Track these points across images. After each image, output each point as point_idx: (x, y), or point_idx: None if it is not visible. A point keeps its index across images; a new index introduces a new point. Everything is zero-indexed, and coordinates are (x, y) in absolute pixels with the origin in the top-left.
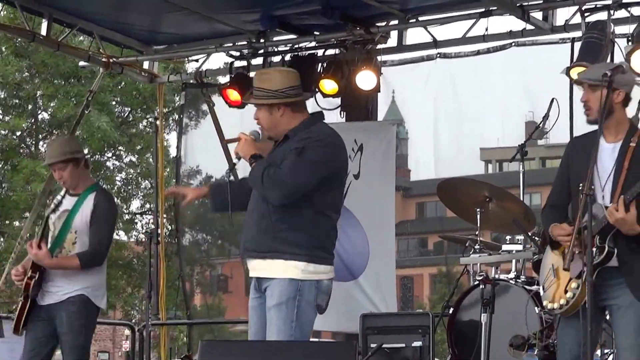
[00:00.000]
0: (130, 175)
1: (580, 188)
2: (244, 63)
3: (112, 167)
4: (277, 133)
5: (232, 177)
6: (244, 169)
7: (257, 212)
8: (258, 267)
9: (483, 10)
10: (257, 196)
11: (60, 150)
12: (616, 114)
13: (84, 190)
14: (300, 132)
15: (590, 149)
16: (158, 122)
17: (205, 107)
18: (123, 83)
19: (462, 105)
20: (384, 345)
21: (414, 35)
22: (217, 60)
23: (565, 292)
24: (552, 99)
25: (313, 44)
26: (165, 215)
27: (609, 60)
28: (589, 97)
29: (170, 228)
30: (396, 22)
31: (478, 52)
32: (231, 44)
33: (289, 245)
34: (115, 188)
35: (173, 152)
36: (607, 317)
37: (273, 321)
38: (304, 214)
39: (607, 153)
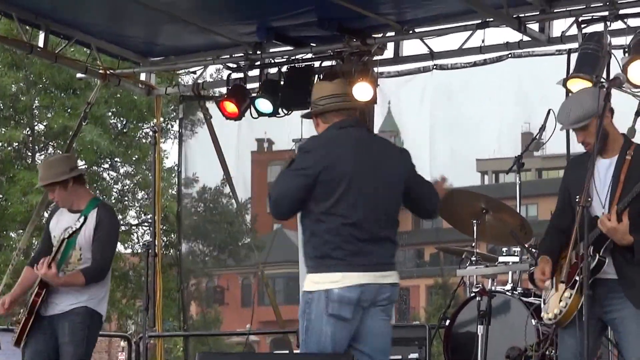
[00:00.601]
0: (127, 187)
1: (577, 200)
2: (240, 75)
3: (108, 179)
4: None
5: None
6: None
7: None
8: None
9: (480, 21)
10: None
11: (44, 174)
12: (610, 134)
13: (85, 207)
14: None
15: (585, 164)
16: (156, 135)
17: (200, 115)
18: (118, 94)
19: (458, 116)
20: None
21: (411, 46)
22: (213, 70)
23: (560, 301)
24: (549, 110)
25: (309, 55)
26: (161, 226)
27: (605, 71)
28: (584, 137)
29: (165, 240)
30: (393, 33)
31: (474, 64)
32: (228, 56)
33: (305, 258)
34: (112, 199)
35: (169, 163)
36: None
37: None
38: (307, 225)
39: (604, 169)
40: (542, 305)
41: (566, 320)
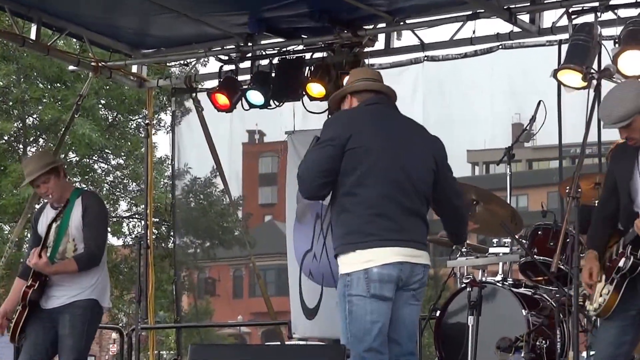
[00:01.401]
0: (118, 179)
1: (567, 191)
2: (232, 67)
3: (99, 171)
4: None
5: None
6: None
7: None
8: None
9: (470, 13)
10: None
11: (39, 164)
12: None
13: (69, 197)
14: None
15: (631, 156)
16: (148, 127)
17: (189, 104)
18: (108, 86)
19: (450, 108)
20: None
21: (402, 38)
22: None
23: (600, 295)
24: (539, 102)
25: (301, 47)
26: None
27: (595, 62)
28: (628, 133)
29: (156, 232)
30: (384, 25)
31: (465, 55)
32: (219, 48)
33: (335, 239)
34: (104, 191)
35: (159, 154)
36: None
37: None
38: (336, 202)
39: None
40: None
41: (606, 314)
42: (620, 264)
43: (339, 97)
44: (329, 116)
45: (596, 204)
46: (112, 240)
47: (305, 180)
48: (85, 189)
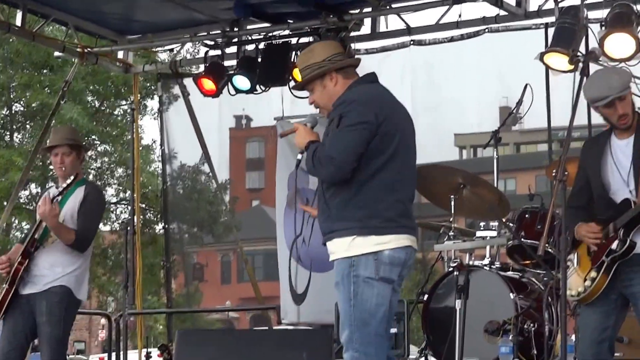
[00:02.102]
0: (105, 164)
1: (553, 174)
2: (218, 52)
3: (86, 157)
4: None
5: None
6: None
7: (317, 195)
8: (329, 251)
9: None
10: (318, 179)
11: (71, 135)
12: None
13: (74, 183)
14: (338, 99)
15: (602, 146)
16: (134, 112)
17: (177, 90)
18: (95, 73)
19: (437, 92)
20: None
21: (388, 22)
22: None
23: (585, 280)
24: (526, 85)
25: (287, 32)
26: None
27: (583, 45)
28: (624, 108)
29: (142, 218)
30: (369, 9)
31: (452, 39)
32: (205, 33)
33: (340, 221)
34: (91, 177)
35: (146, 139)
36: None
37: (338, 302)
38: (352, 184)
39: (621, 149)
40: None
41: (590, 299)
42: (613, 246)
43: (317, 75)
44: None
45: (569, 196)
46: (100, 226)
47: (342, 163)
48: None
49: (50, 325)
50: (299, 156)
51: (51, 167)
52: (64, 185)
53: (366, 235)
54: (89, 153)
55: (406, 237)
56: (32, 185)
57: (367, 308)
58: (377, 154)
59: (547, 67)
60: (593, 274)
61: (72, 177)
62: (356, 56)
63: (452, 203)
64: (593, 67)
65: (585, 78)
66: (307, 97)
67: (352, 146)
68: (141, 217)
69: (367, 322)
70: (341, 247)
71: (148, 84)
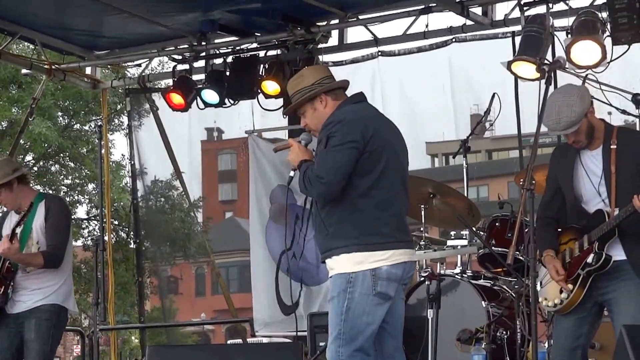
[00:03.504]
0: (76, 180)
1: (522, 183)
2: (186, 66)
3: (56, 174)
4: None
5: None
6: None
7: (312, 214)
8: (328, 268)
9: (423, 7)
10: (312, 199)
11: None
12: (595, 126)
13: (33, 202)
14: (327, 120)
15: (572, 157)
16: (102, 129)
17: (147, 106)
18: (63, 88)
19: (408, 101)
20: None
21: (355, 34)
22: (159, 62)
23: (561, 292)
24: (493, 94)
25: (254, 45)
26: (112, 221)
27: (549, 53)
28: (576, 136)
29: (115, 236)
30: (336, 21)
31: (420, 49)
32: (173, 48)
33: (337, 239)
34: (61, 194)
35: (116, 155)
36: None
37: (329, 317)
38: (347, 203)
39: (591, 159)
40: (539, 287)
41: (566, 310)
42: (589, 260)
43: (307, 98)
44: (285, 116)
45: (539, 206)
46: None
47: (331, 183)
48: (49, 192)
49: (38, 342)
50: (292, 173)
51: None
52: (21, 214)
53: (364, 252)
54: (59, 170)
55: (403, 252)
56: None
57: (357, 324)
58: (368, 171)
59: (515, 76)
60: (569, 286)
61: (27, 205)
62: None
63: (422, 213)
64: (562, 76)
65: (549, 87)
66: (276, 110)
67: (339, 166)
68: (113, 235)
69: (355, 338)
70: (340, 264)
71: (118, 100)
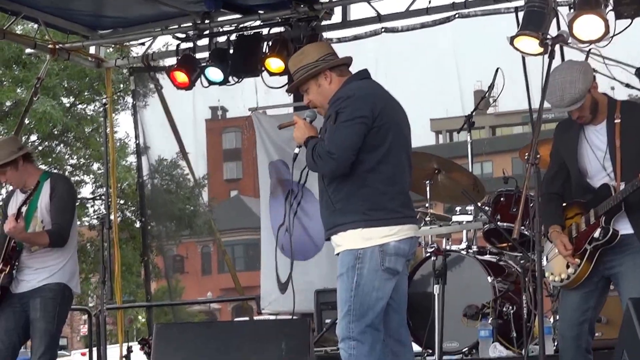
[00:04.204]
0: (82, 160)
1: (526, 157)
2: (189, 45)
3: (62, 153)
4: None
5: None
6: None
7: (319, 190)
8: (333, 245)
9: None
10: (319, 175)
11: None
12: (599, 101)
13: (38, 182)
14: (334, 96)
15: (575, 131)
16: (107, 107)
17: (152, 86)
18: (68, 68)
19: (412, 78)
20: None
21: (359, 10)
22: (163, 42)
23: (568, 267)
24: (497, 69)
25: (258, 22)
26: (119, 200)
27: (553, 27)
28: (580, 112)
29: (121, 215)
30: None
31: (423, 25)
32: (176, 26)
33: (345, 214)
34: (66, 174)
35: (120, 133)
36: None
37: (338, 293)
38: (355, 178)
39: (595, 134)
40: (545, 261)
41: (573, 285)
42: (596, 234)
43: (311, 75)
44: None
45: (543, 181)
46: (77, 222)
47: (341, 158)
48: (55, 172)
49: (44, 321)
50: (297, 150)
51: None
52: (27, 193)
53: (372, 227)
54: (64, 149)
55: (409, 227)
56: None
57: (366, 300)
58: (376, 147)
59: (518, 51)
60: (576, 260)
61: (33, 184)
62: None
63: (428, 188)
64: (566, 51)
65: (552, 62)
66: (280, 87)
67: (349, 141)
68: (119, 214)
69: (365, 314)
70: (347, 240)
71: (122, 79)
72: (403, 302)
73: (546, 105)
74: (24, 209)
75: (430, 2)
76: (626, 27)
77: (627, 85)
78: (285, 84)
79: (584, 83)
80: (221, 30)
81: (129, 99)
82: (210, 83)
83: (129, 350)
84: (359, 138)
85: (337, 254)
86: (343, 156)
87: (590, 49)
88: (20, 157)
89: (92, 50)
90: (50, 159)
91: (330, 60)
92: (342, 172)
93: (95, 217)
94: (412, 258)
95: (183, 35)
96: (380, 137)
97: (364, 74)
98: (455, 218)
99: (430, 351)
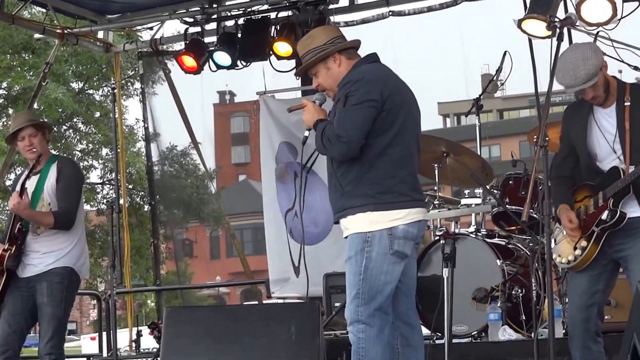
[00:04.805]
0: (90, 145)
1: (535, 140)
2: (197, 29)
3: (70, 138)
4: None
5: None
6: None
7: (328, 174)
8: (342, 228)
9: None
10: (327, 158)
11: (31, 117)
12: (610, 83)
13: (46, 164)
14: (344, 79)
15: (585, 114)
16: (116, 92)
17: (161, 72)
18: (77, 53)
19: (420, 61)
20: None
21: None
22: (171, 27)
23: (575, 249)
24: (505, 52)
25: (265, 6)
26: (127, 185)
27: (561, 9)
28: (594, 91)
29: (129, 199)
30: None
31: (430, 9)
32: (184, 11)
33: (353, 198)
34: (75, 159)
35: (129, 119)
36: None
37: (347, 276)
38: (363, 161)
39: (604, 116)
40: (553, 243)
41: (580, 267)
42: (603, 216)
43: (320, 58)
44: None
45: (553, 165)
46: (86, 207)
47: (351, 142)
48: (62, 155)
49: (51, 305)
50: (306, 133)
51: None
52: (37, 170)
53: (381, 211)
54: (73, 135)
55: (418, 210)
56: (18, 169)
57: (375, 284)
58: (385, 130)
59: (526, 34)
60: (583, 243)
61: (43, 162)
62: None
63: (436, 172)
64: (573, 34)
65: (561, 44)
66: (288, 71)
67: (359, 124)
68: (128, 199)
69: (374, 298)
70: (356, 223)
71: (130, 65)
72: (412, 285)
73: (555, 88)
74: (27, 184)
75: None
76: (634, 10)
77: (635, 68)
78: (293, 68)
79: (596, 59)
80: (229, 14)
81: (138, 85)
82: (219, 67)
83: (139, 334)
84: (368, 121)
85: (346, 237)
86: (352, 140)
87: (598, 32)
88: (47, 130)
89: (100, 35)
90: (59, 144)
91: (339, 44)
92: (352, 156)
93: (104, 201)
94: (421, 241)
95: (191, 20)
96: (390, 121)
97: (373, 58)
98: (463, 201)
99: (440, 334)
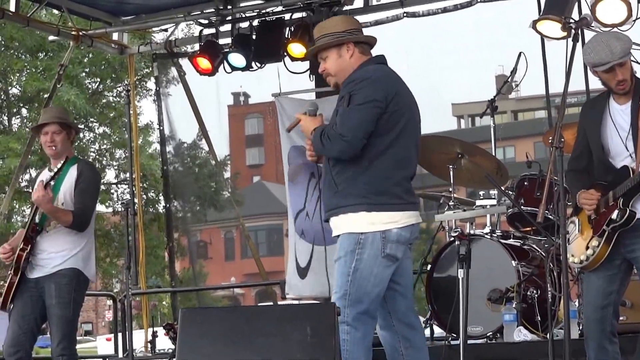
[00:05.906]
0: (104, 146)
1: (551, 141)
2: (212, 30)
3: (85, 140)
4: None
5: None
6: None
7: (323, 171)
8: (332, 226)
9: None
10: (325, 158)
11: (61, 114)
12: (633, 73)
13: (66, 164)
14: (349, 77)
15: (601, 109)
16: (129, 94)
17: (175, 73)
18: (91, 54)
19: (434, 63)
20: None
21: None
22: (186, 29)
23: (587, 248)
24: (520, 53)
25: (280, 8)
26: (140, 184)
27: (575, 11)
28: (623, 73)
29: (145, 197)
30: None
31: (445, 10)
32: (199, 12)
33: (346, 197)
34: (91, 160)
35: (144, 120)
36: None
37: (335, 276)
38: (361, 161)
39: (619, 114)
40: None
41: (593, 267)
42: (613, 216)
43: (334, 43)
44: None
45: (569, 160)
46: (101, 208)
47: (353, 141)
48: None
49: (60, 307)
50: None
51: None
52: (56, 168)
53: (375, 212)
54: (87, 136)
55: (412, 213)
56: (32, 171)
57: (363, 286)
58: (386, 131)
59: (540, 35)
60: (595, 242)
61: (62, 160)
62: None
63: (451, 173)
64: (587, 34)
65: (577, 45)
66: (302, 73)
67: (362, 124)
68: (143, 196)
69: (361, 300)
70: (348, 223)
71: (144, 63)
72: (409, 286)
73: (570, 88)
74: (52, 182)
75: None
76: None
77: None
78: (308, 69)
79: (627, 38)
80: (243, 15)
81: (152, 86)
82: (233, 69)
83: (154, 335)
84: (371, 121)
85: (337, 236)
86: (355, 139)
87: (621, 33)
88: (73, 130)
89: (115, 37)
90: (73, 145)
91: (356, 35)
92: (353, 155)
93: (119, 202)
94: (414, 243)
95: (205, 21)
96: (392, 122)
97: (382, 59)
98: (478, 202)
99: (455, 335)
